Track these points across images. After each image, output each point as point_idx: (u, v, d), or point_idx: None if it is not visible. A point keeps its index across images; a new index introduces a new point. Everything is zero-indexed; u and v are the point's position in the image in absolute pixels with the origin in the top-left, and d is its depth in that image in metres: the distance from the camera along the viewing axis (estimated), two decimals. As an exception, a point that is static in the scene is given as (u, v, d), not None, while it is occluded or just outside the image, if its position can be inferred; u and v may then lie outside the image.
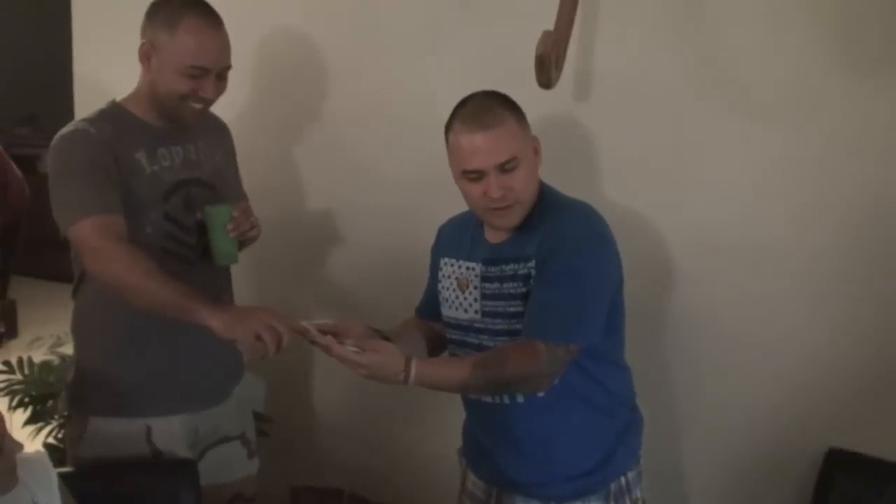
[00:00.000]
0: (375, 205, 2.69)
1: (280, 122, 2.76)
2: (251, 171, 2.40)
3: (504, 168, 1.78)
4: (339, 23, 2.62)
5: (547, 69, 1.94)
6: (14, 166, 2.49)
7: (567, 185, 2.35)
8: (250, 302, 2.43)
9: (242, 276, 2.46)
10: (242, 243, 2.13)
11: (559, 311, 1.78)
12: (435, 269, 2.05)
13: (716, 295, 2.29)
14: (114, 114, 2.07)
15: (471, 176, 1.80)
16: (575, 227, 1.84)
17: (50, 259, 5.43)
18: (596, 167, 2.36)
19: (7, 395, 2.57)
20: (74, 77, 2.90)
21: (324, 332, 1.79)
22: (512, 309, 1.86)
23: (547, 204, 1.87)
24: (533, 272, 1.82)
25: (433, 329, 2.09)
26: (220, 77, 2.04)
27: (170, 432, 2.13)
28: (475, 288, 1.91)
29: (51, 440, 2.62)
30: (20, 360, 2.61)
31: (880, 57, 2.07)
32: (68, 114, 4.22)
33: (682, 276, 2.30)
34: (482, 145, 1.78)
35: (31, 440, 2.64)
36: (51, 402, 2.55)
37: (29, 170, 5.95)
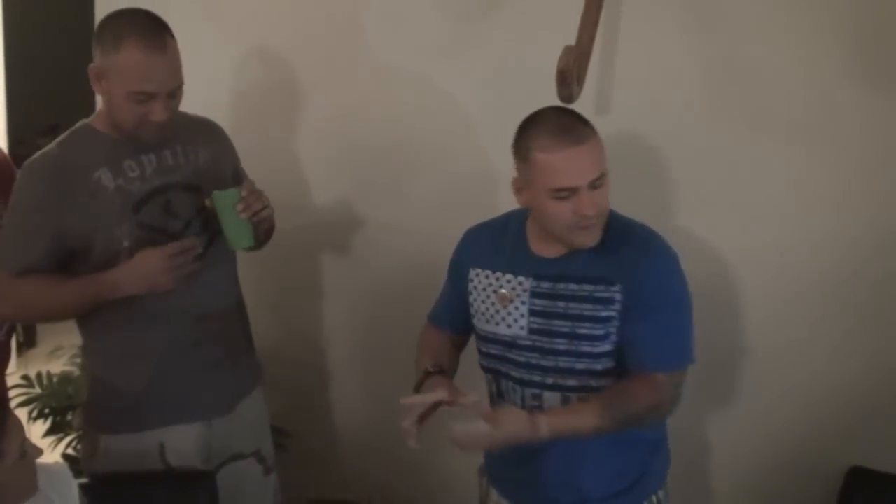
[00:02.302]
0: (395, 221, 2.69)
1: (296, 135, 2.77)
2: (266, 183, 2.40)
3: (594, 184, 1.73)
4: (358, 32, 2.62)
5: (569, 84, 1.94)
6: None
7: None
8: (258, 318, 2.43)
9: (255, 290, 2.47)
10: (258, 225, 2.09)
11: (672, 339, 1.79)
12: (460, 278, 1.98)
13: (737, 310, 2.28)
14: (82, 134, 2.07)
15: (561, 194, 1.71)
16: (660, 250, 1.83)
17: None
18: (616, 181, 2.35)
19: (26, 406, 2.58)
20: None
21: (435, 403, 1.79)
22: (583, 331, 1.80)
23: (612, 222, 1.83)
24: (618, 297, 1.78)
25: (452, 342, 2.05)
26: (172, 96, 1.99)
27: (183, 448, 2.13)
28: (522, 303, 1.85)
29: (70, 451, 2.63)
30: (39, 375, 2.62)
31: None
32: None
33: (702, 291, 2.29)
34: (577, 161, 1.71)
35: (51, 451, 2.65)
36: (70, 414, 2.56)
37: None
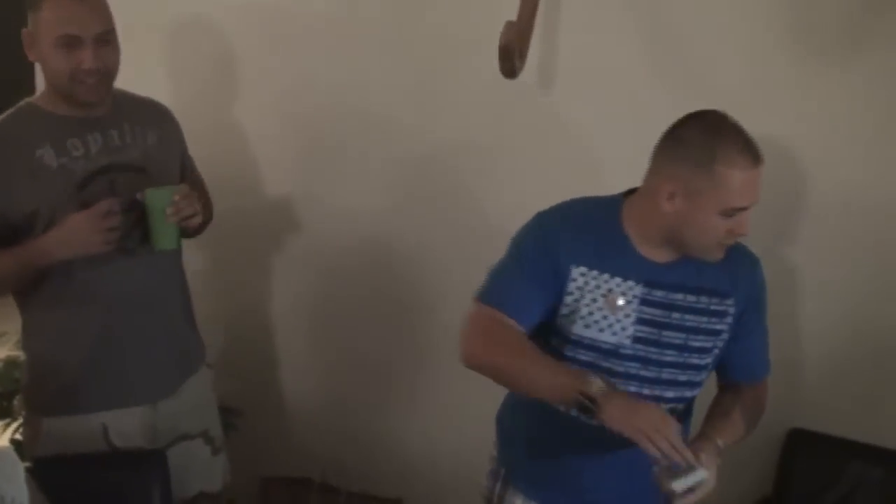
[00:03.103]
0: (343, 199, 2.68)
1: (240, 112, 2.73)
2: (222, 163, 2.39)
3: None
4: (309, 13, 2.60)
5: (510, 59, 1.96)
6: None
7: (531, 175, 2.40)
8: (210, 298, 2.41)
9: (203, 269, 2.45)
10: (185, 230, 2.08)
11: (767, 346, 1.87)
12: (554, 273, 1.77)
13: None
14: (24, 112, 2.04)
15: (731, 212, 1.64)
16: (759, 261, 1.84)
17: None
18: (560, 157, 2.39)
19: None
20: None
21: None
22: (696, 343, 1.76)
23: None
24: (731, 310, 1.77)
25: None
26: (103, 42, 1.95)
27: (127, 430, 2.12)
28: (633, 311, 1.75)
29: (17, 437, 2.60)
30: None
31: (839, 42, 2.12)
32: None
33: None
34: (756, 182, 1.64)
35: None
36: (17, 399, 2.52)
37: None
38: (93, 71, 1.94)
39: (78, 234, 1.94)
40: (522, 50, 2.00)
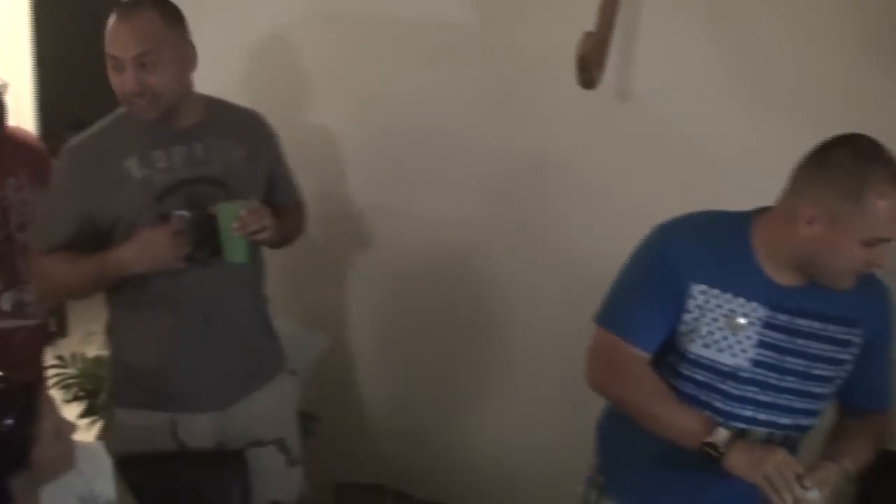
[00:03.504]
0: (421, 208, 2.70)
1: (323, 121, 2.78)
2: (302, 173, 2.40)
3: None
4: (390, 24, 2.63)
5: (588, 69, 1.96)
6: None
7: (609, 187, 2.40)
8: (290, 305, 2.45)
9: (282, 275, 2.49)
10: (263, 243, 2.10)
11: (892, 375, 1.80)
12: (674, 290, 1.72)
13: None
14: (119, 121, 2.09)
15: (874, 243, 1.59)
16: (888, 290, 1.78)
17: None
18: (637, 167, 2.39)
19: (62, 388, 2.63)
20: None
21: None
22: (817, 371, 1.71)
23: None
24: (858, 340, 1.72)
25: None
26: (143, 65, 1.95)
27: (195, 428, 2.16)
28: (755, 333, 1.70)
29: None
30: (73, 355, 2.67)
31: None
32: (117, 117, 4.28)
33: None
34: None
35: (86, 433, 2.70)
36: (103, 396, 2.61)
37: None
38: (136, 93, 1.96)
39: (151, 250, 1.99)
40: (600, 60, 2.00)
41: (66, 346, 2.86)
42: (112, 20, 1.98)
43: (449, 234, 2.66)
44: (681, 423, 1.66)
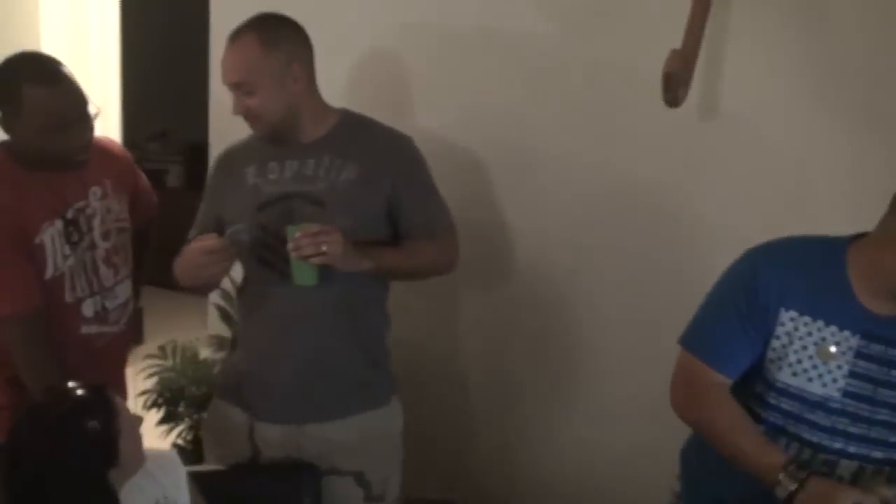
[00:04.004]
0: (529, 225, 2.67)
1: (430, 143, 2.71)
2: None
3: None
4: (486, 43, 2.63)
5: (674, 87, 1.94)
6: (144, 177, 2.60)
7: (693, 208, 2.37)
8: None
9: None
10: (324, 266, 2.01)
11: None
12: (762, 315, 1.69)
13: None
14: (256, 136, 2.20)
15: None
16: None
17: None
18: (725, 188, 2.35)
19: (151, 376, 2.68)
20: (210, 92, 3.00)
21: None
22: None
23: None
24: None
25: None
26: (248, 94, 2.05)
27: (269, 437, 2.18)
28: (846, 363, 1.65)
29: (179, 441, 2.72)
30: (174, 347, 2.76)
31: None
32: (198, 130, 4.38)
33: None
34: None
35: (163, 441, 2.75)
36: (182, 405, 2.65)
37: (158, 183, 6.22)
38: (242, 115, 2.09)
39: (188, 264, 2.07)
40: (687, 78, 1.97)
41: (141, 354, 2.90)
42: (227, 44, 2.10)
43: (536, 250, 2.65)
44: (757, 459, 1.63)
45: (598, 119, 2.47)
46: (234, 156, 2.23)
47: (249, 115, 2.09)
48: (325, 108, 2.19)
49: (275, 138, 2.13)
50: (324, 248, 1.95)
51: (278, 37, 2.08)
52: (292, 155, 2.13)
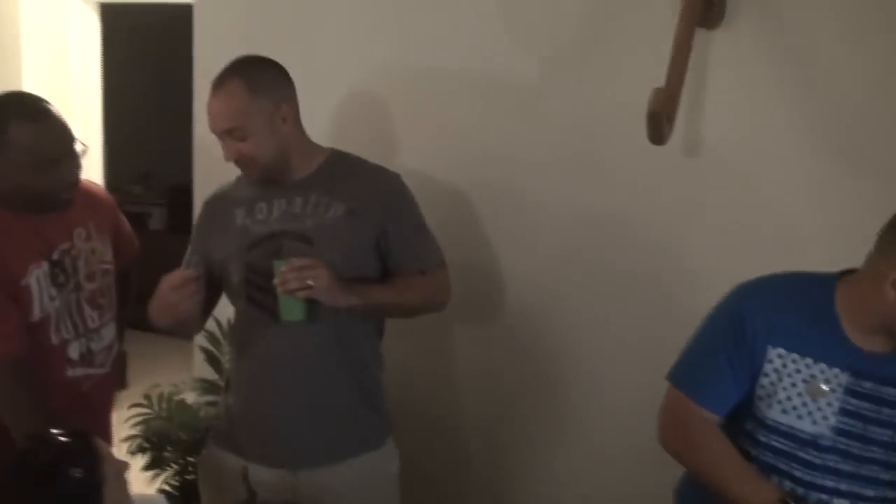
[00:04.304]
0: (493, 268, 2.67)
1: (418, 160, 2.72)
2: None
3: None
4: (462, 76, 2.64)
5: (659, 125, 1.95)
6: (125, 221, 2.61)
7: (681, 244, 2.38)
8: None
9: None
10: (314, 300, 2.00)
11: None
12: (750, 353, 1.69)
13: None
14: (245, 176, 2.19)
15: None
16: None
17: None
18: (709, 225, 2.36)
19: (140, 427, 2.65)
20: (195, 134, 3.00)
21: None
22: None
23: None
24: None
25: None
26: (239, 139, 2.05)
27: (263, 479, 2.15)
28: (837, 400, 1.64)
29: (166, 487, 2.68)
30: (160, 395, 2.71)
31: None
32: (181, 172, 4.38)
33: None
34: None
35: (149, 486, 2.71)
36: (168, 450, 2.61)
37: (141, 226, 6.22)
38: (235, 160, 2.08)
39: (159, 304, 2.03)
40: (671, 116, 1.99)
41: (130, 399, 2.86)
42: (209, 93, 2.08)
43: (524, 289, 2.63)
44: (747, 491, 1.62)
45: (583, 158, 2.48)
46: (221, 199, 2.23)
47: (242, 160, 2.08)
48: (313, 146, 2.20)
49: (266, 180, 2.12)
50: (309, 282, 1.95)
51: (264, 79, 2.08)
52: (280, 194, 2.13)
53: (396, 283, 2.15)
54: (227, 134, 2.05)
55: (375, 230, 2.12)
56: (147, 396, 2.74)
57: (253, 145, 2.05)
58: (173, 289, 1.99)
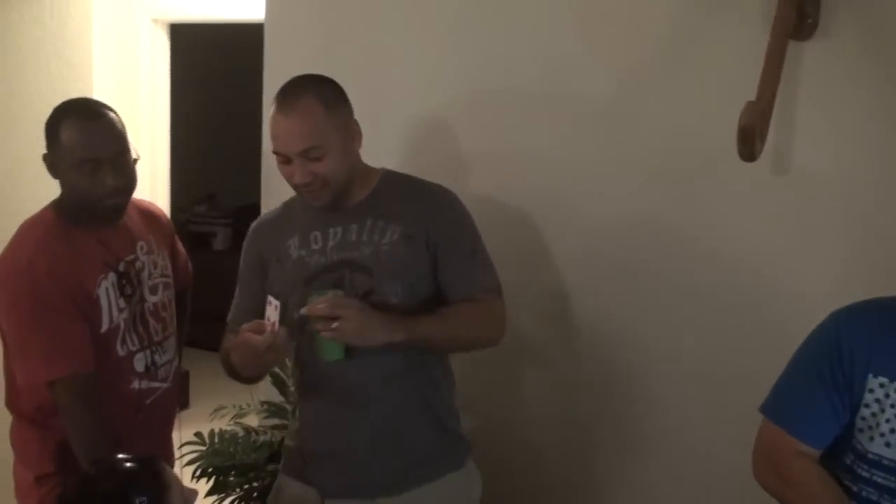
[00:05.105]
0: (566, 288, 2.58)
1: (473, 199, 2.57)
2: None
3: None
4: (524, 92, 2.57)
5: (751, 140, 1.85)
6: (181, 246, 2.61)
7: (768, 268, 2.27)
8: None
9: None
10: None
11: None
12: (847, 381, 1.60)
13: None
14: (293, 202, 2.15)
15: None
16: None
17: (223, 332, 5.62)
18: (800, 247, 2.24)
19: (192, 464, 2.61)
20: (263, 153, 2.97)
21: None
22: None
23: None
24: None
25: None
26: (314, 159, 1.95)
27: None
28: None
29: (229, 512, 2.64)
30: (211, 432, 2.67)
31: None
32: (245, 193, 4.38)
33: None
34: None
35: (213, 510, 2.67)
36: (232, 475, 2.57)
37: (205, 246, 6.26)
38: (306, 184, 1.97)
39: (243, 361, 1.95)
40: (763, 131, 1.89)
41: (188, 419, 2.83)
42: (273, 113, 1.98)
43: (600, 314, 2.54)
44: None
45: (665, 176, 2.39)
46: (270, 228, 2.16)
47: (313, 184, 1.97)
48: (368, 167, 2.12)
49: (333, 205, 2.03)
50: (335, 325, 1.86)
51: (334, 96, 2.02)
52: (335, 222, 2.06)
53: (444, 312, 2.02)
54: (301, 155, 1.95)
55: (430, 252, 2.04)
56: (198, 434, 2.70)
57: (329, 166, 1.96)
58: (266, 351, 1.88)
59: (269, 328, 1.87)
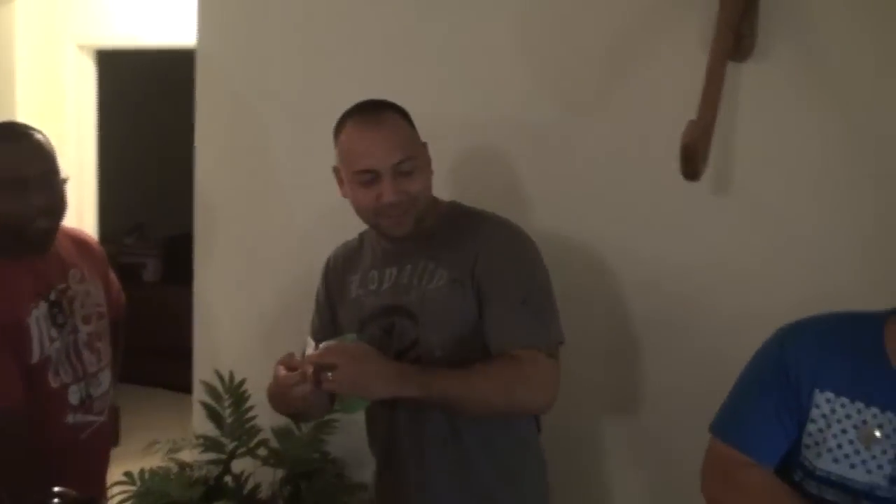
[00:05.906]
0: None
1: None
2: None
3: None
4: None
5: (693, 160, 1.84)
6: (114, 275, 2.53)
7: (711, 288, 2.27)
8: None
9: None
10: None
11: None
12: (793, 396, 1.58)
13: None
14: (362, 238, 2.07)
15: None
16: None
17: (153, 366, 5.54)
18: (741, 266, 2.25)
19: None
20: (196, 182, 2.89)
21: None
22: None
23: None
24: None
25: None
26: (406, 174, 1.81)
27: None
28: (892, 447, 1.51)
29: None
30: (141, 471, 2.55)
31: None
32: (176, 223, 4.29)
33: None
34: None
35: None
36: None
37: (134, 278, 6.11)
38: (394, 203, 1.82)
39: (278, 395, 1.79)
40: (705, 150, 1.88)
41: (121, 456, 2.72)
42: (355, 130, 1.85)
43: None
44: None
45: (606, 196, 2.39)
46: (340, 262, 2.06)
47: (404, 204, 1.82)
48: (435, 199, 1.96)
49: (411, 233, 1.87)
50: (329, 375, 1.65)
51: (407, 114, 1.93)
52: (392, 262, 1.92)
53: (471, 369, 1.75)
54: (394, 168, 1.80)
55: (475, 296, 1.83)
56: (128, 473, 2.58)
57: (418, 183, 1.83)
58: (288, 387, 1.71)
59: (299, 367, 1.71)
